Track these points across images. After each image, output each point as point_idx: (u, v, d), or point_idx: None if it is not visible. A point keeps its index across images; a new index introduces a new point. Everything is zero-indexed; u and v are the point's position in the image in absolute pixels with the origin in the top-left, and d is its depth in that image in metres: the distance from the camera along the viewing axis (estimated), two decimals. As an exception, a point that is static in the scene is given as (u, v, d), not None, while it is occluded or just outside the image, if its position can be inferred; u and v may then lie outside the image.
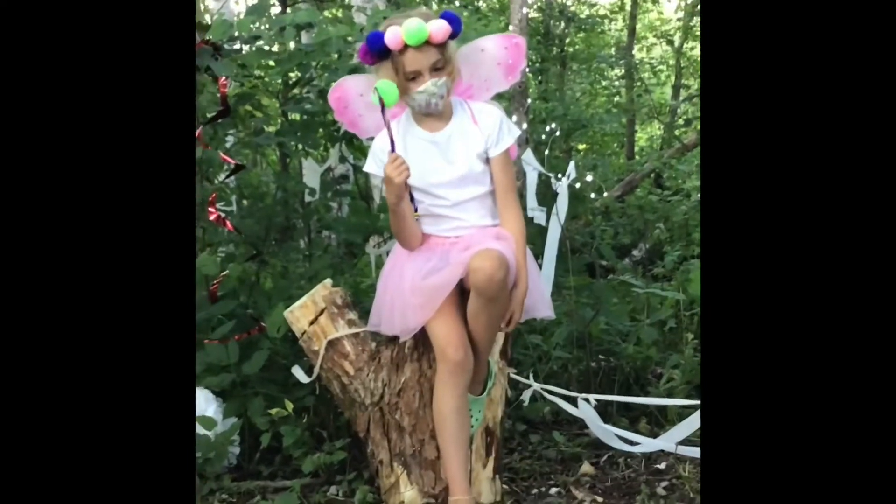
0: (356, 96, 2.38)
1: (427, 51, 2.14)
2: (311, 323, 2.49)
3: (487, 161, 2.27)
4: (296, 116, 3.62)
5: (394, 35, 2.11)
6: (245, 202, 4.00)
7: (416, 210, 2.24)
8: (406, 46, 2.12)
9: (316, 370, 2.49)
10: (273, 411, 2.60)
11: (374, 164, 2.31)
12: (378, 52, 2.15)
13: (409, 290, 2.23)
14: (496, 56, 2.38)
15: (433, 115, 2.25)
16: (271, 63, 3.31)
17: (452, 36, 2.17)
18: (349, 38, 3.09)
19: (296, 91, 3.65)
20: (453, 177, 2.25)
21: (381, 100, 2.11)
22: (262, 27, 3.09)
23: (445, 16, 2.16)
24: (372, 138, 2.39)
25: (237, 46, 3.09)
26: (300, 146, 3.42)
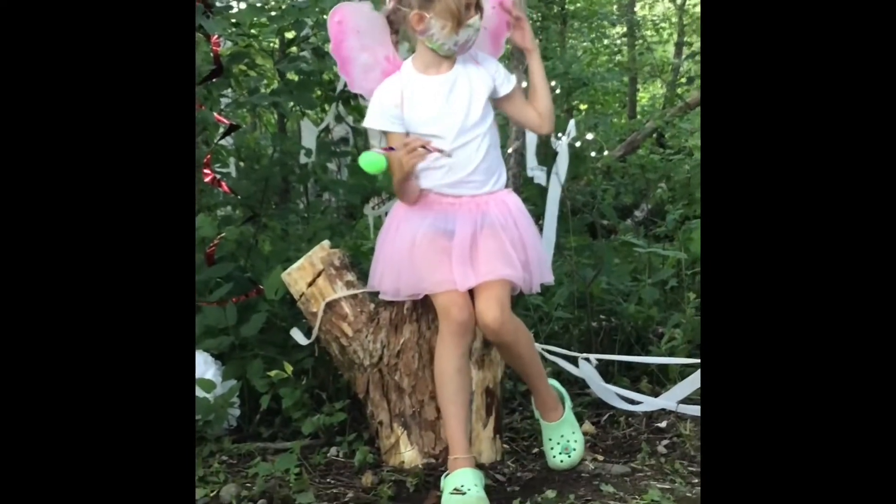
0: (354, 31, 2.29)
1: None
2: (309, 285, 2.47)
3: (491, 106, 2.29)
4: (292, 76, 3.57)
5: None
6: (241, 164, 3.96)
7: (443, 152, 2.18)
8: None
9: (314, 332, 2.47)
10: (272, 373, 2.59)
11: (377, 118, 2.27)
12: None
13: (406, 250, 2.20)
14: (484, 18, 2.34)
15: (447, 58, 2.23)
16: (264, 21, 3.25)
17: None
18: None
19: (292, 49, 3.59)
20: (458, 116, 2.23)
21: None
22: (255, -17, 3.02)
23: None
24: (352, 94, 2.35)
25: (230, 4, 3.03)
26: (296, 106, 3.36)
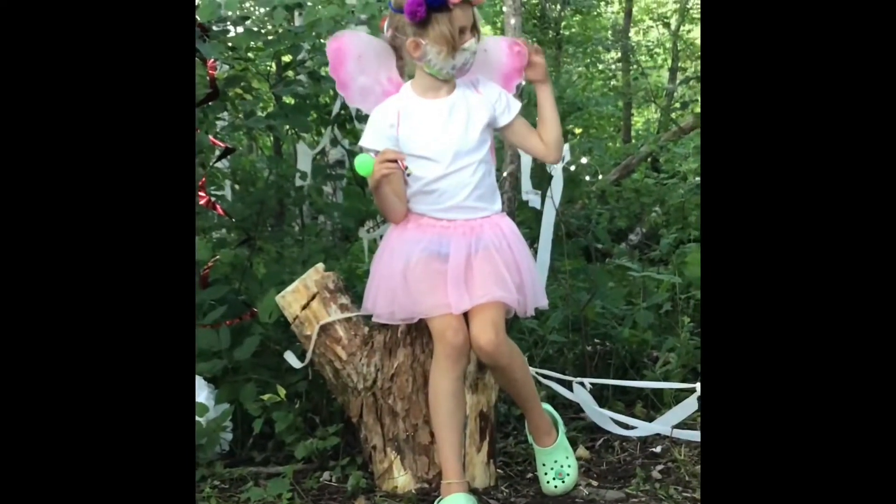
0: (354, 56, 2.32)
1: (469, 9, 2.17)
2: (303, 308, 2.46)
3: (489, 133, 2.31)
4: (288, 99, 3.58)
5: None
6: (237, 187, 3.97)
7: (406, 169, 2.20)
8: (462, 2, 2.13)
9: (308, 355, 2.46)
10: (265, 397, 2.58)
11: (372, 138, 2.29)
12: (437, 4, 2.13)
13: (400, 273, 2.20)
14: (496, 61, 2.38)
15: (447, 82, 2.24)
16: (260, 45, 3.27)
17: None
18: (340, 20, 3.04)
19: (288, 73, 3.60)
20: (453, 141, 2.23)
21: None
22: (252, 7, 3.03)
23: None
24: (348, 117, 2.37)
25: (226, 28, 3.05)
26: (291, 130, 3.37)
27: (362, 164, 2.17)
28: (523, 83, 2.48)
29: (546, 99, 2.35)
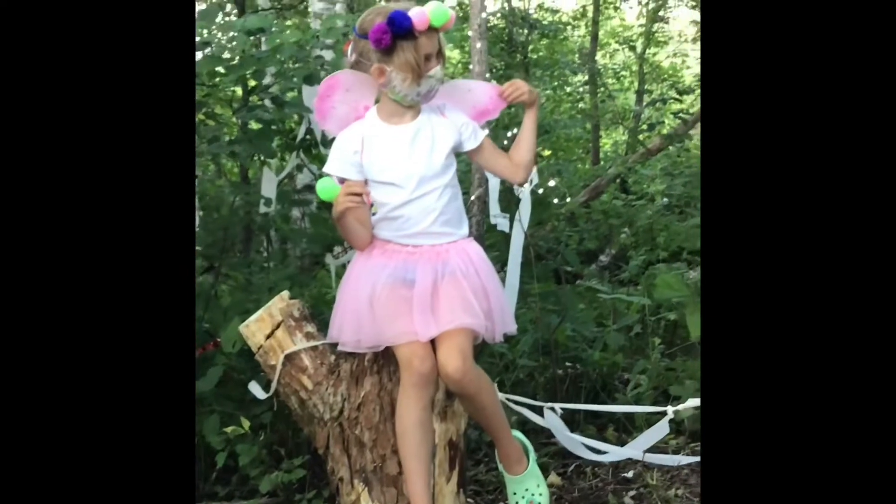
0: (343, 90, 2.28)
1: (434, 36, 2.15)
2: (268, 337, 2.41)
3: (454, 158, 2.28)
4: (253, 125, 3.54)
5: (420, 15, 2.09)
6: (201, 213, 3.91)
7: (372, 206, 2.20)
8: (428, 28, 2.11)
9: (273, 385, 2.41)
10: (229, 429, 2.52)
11: (336, 164, 2.26)
12: (402, 32, 2.10)
13: (365, 301, 2.16)
14: (477, 100, 2.37)
15: (411, 107, 2.23)
16: (222, 71, 3.23)
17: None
18: (303, 45, 3.01)
19: (253, 98, 3.57)
20: (418, 167, 2.21)
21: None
22: (215, 33, 3.00)
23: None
24: (313, 142, 2.35)
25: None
26: (255, 156, 3.33)
27: (324, 189, 2.16)
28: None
29: (531, 121, 2.35)
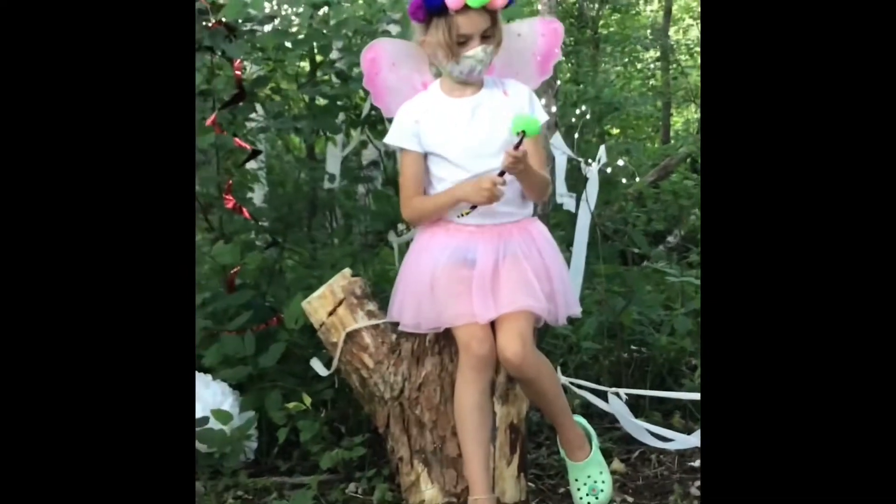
0: (389, 64, 2.27)
1: (481, 15, 2.08)
2: (330, 314, 2.40)
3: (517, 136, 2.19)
4: (319, 101, 3.53)
5: None
6: (266, 189, 3.93)
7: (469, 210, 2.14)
8: (465, 8, 2.06)
9: (335, 363, 2.40)
10: (290, 405, 2.53)
11: (396, 134, 2.23)
12: (434, 8, 2.07)
13: (426, 281, 2.13)
14: (532, 45, 2.31)
15: (469, 83, 2.18)
16: (288, 45, 3.21)
17: (506, 5, 2.12)
18: (369, 19, 2.98)
19: (318, 74, 3.55)
20: (475, 142, 2.17)
21: (521, 133, 2.07)
22: (279, 6, 2.99)
23: None
24: (379, 118, 2.32)
25: (253, 28, 3.00)
26: (321, 131, 3.32)
27: (527, 123, 2.08)
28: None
29: (526, 177, 2.17)
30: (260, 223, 3.17)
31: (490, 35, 2.12)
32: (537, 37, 2.31)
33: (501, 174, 2.09)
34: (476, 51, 2.10)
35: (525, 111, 2.19)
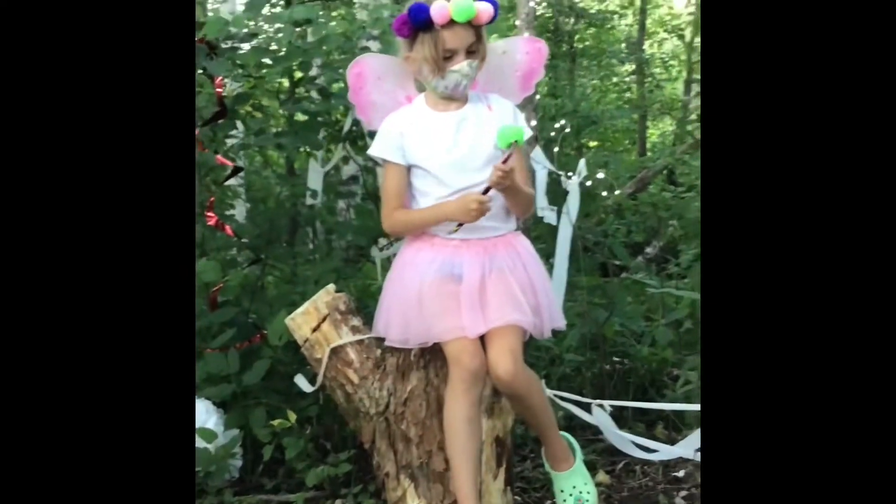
0: (374, 78, 2.28)
1: (466, 30, 2.10)
2: (314, 330, 2.39)
3: (500, 152, 2.19)
4: (299, 116, 3.53)
5: (440, 9, 2.05)
6: (247, 206, 3.93)
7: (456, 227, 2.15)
8: (451, 23, 2.07)
9: (319, 379, 2.40)
10: (275, 422, 2.52)
11: (380, 145, 2.24)
12: (420, 24, 2.08)
13: (413, 297, 2.14)
14: (515, 62, 2.33)
15: (454, 97, 2.19)
16: (268, 62, 3.22)
17: (490, 21, 2.13)
18: (349, 35, 2.99)
19: (300, 90, 3.56)
20: (458, 157, 2.17)
21: (513, 143, 2.09)
22: (261, 24, 2.99)
23: None
24: (360, 134, 2.32)
25: (234, 45, 3.00)
26: (302, 147, 3.32)
27: (510, 134, 2.10)
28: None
29: (513, 195, 2.19)
30: (242, 240, 3.15)
31: (475, 50, 2.13)
32: (522, 55, 2.33)
33: (486, 191, 2.11)
34: (462, 65, 2.12)
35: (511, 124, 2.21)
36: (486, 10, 2.09)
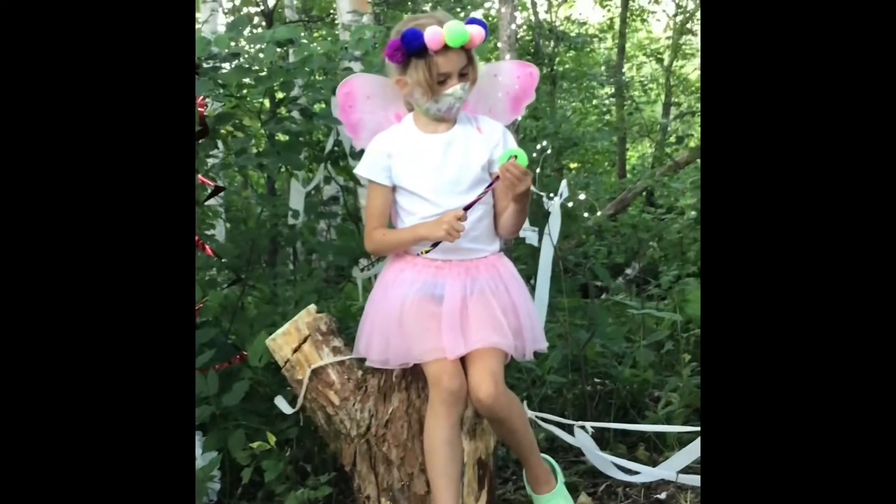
0: (363, 97, 2.30)
1: (459, 54, 2.11)
2: (295, 351, 2.38)
3: (488, 173, 2.22)
4: (281, 137, 3.53)
5: (434, 35, 2.06)
6: (227, 225, 3.91)
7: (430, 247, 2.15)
8: (444, 48, 2.08)
9: (300, 401, 2.37)
10: (254, 444, 2.49)
11: (366, 166, 2.24)
12: (413, 50, 2.09)
13: (394, 317, 2.13)
14: (506, 84, 2.34)
15: (444, 119, 2.20)
16: (250, 82, 3.22)
17: (480, 42, 2.15)
18: (331, 56, 3.00)
19: (281, 110, 3.56)
20: (446, 178, 2.18)
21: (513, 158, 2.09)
22: (243, 44, 2.99)
23: (475, 22, 2.13)
24: (342, 154, 2.33)
25: (216, 65, 3.00)
26: (283, 167, 3.32)
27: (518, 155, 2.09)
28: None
29: (522, 205, 2.19)
30: (222, 260, 3.13)
31: (467, 73, 2.15)
32: (513, 78, 2.35)
33: (466, 209, 2.11)
34: (455, 88, 2.13)
35: (500, 148, 2.22)
36: (479, 34, 2.10)
